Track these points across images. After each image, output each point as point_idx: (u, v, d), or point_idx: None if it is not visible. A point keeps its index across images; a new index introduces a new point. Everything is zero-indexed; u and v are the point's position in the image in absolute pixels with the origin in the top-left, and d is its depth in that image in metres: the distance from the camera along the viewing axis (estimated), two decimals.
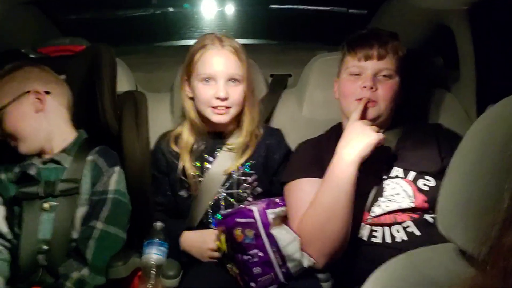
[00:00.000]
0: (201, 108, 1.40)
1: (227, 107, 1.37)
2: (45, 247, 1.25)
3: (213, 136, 1.45)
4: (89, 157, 1.33)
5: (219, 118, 1.38)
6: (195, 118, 1.42)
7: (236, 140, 1.42)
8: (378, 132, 1.23)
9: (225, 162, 1.41)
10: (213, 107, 1.37)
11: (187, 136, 1.43)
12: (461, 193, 0.63)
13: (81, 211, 1.29)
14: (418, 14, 1.68)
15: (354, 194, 1.20)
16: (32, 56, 1.84)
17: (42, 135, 1.34)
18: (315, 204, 1.22)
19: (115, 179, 1.32)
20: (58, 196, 1.28)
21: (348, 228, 1.20)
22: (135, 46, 2.37)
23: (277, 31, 2.36)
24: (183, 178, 1.40)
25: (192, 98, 1.43)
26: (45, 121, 1.34)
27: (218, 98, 1.35)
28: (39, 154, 1.35)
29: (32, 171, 1.31)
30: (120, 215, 1.30)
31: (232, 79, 1.37)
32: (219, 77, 1.36)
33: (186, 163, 1.40)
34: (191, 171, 1.39)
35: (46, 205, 1.28)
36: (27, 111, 1.32)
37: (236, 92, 1.37)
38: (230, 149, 1.42)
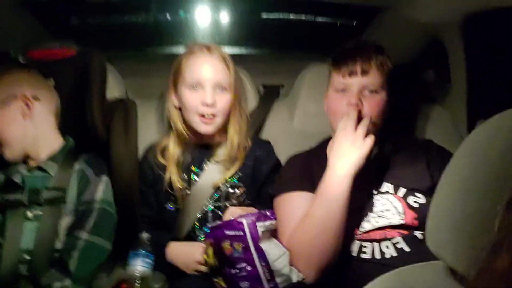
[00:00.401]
0: (188, 117, 1.38)
1: (213, 115, 1.36)
2: (28, 257, 1.22)
3: (200, 148, 1.43)
4: (77, 166, 1.31)
5: (206, 128, 1.36)
6: (181, 129, 1.40)
7: (223, 152, 1.40)
8: (367, 137, 1.21)
9: (213, 175, 1.39)
10: (201, 115, 1.35)
11: (173, 148, 1.41)
12: (452, 210, 0.62)
13: (66, 221, 1.26)
14: (411, 26, 1.69)
15: (347, 208, 1.19)
16: (21, 59, 1.82)
17: (28, 141, 1.31)
18: (306, 218, 1.20)
19: (102, 189, 1.29)
20: (43, 205, 1.25)
21: (339, 243, 1.19)
22: (126, 52, 2.35)
23: (270, 40, 2.35)
24: (169, 190, 1.38)
25: (179, 109, 1.41)
26: (32, 127, 1.31)
27: (205, 105, 1.34)
28: (25, 161, 1.33)
29: (17, 179, 1.28)
30: (106, 225, 1.27)
31: (219, 87, 1.36)
32: (207, 83, 1.35)
33: (173, 176, 1.38)
34: (178, 183, 1.38)
35: (29, 214, 1.25)
36: (14, 116, 1.30)
37: (223, 100, 1.37)
38: (217, 162, 1.40)
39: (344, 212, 1.18)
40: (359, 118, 1.24)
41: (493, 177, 0.57)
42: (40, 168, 1.31)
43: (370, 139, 1.20)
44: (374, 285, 0.72)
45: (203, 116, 1.35)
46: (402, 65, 1.43)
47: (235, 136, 1.41)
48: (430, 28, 1.65)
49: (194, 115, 1.36)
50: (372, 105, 1.28)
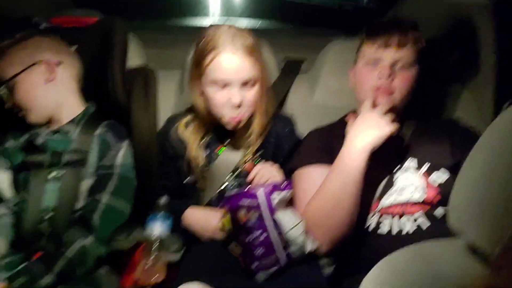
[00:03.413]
0: (213, 110, 1.34)
1: (241, 110, 1.32)
2: (49, 216, 1.25)
3: (222, 126, 1.39)
4: (97, 131, 1.32)
5: (233, 125, 1.34)
6: (206, 114, 1.37)
7: (245, 131, 1.38)
8: (391, 122, 1.20)
9: (234, 152, 1.38)
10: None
11: (195, 125, 1.40)
12: (478, 188, 0.62)
13: (86, 184, 1.28)
14: (440, 6, 1.65)
15: (362, 183, 1.18)
16: (44, 25, 1.83)
17: (51, 105, 1.33)
18: (322, 191, 1.21)
19: (122, 154, 1.31)
20: (64, 167, 1.28)
21: (354, 216, 1.19)
22: (149, 22, 2.35)
23: (294, 15, 2.32)
24: (189, 166, 1.38)
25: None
26: (55, 92, 1.33)
27: (232, 105, 1.29)
28: (48, 124, 1.35)
29: (39, 141, 1.31)
30: (126, 189, 1.29)
31: (247, 83, 1.30)
32: (233, 83, 1.28)
33: (194, 151, 1.37)
34: (198, 159, 1.37)
35: (51, 175, 1.28)
36: (37, 81, 1.31)
37: (251, 94, 1.31)
38: (239, 140, 1.38)
39: (359, 186, 1.18)
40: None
41: None
42: (61, 132, 1.33)
43: (394, 125, 1.20)
44: (392, 259, 0.72)
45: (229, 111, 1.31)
46: (430, 43, 1.39)
47: (261, 118, 1.37)
48: (460, 8, 1.60)
49: (219, 112, 1.32)
50: (403, 81, 1.26)
